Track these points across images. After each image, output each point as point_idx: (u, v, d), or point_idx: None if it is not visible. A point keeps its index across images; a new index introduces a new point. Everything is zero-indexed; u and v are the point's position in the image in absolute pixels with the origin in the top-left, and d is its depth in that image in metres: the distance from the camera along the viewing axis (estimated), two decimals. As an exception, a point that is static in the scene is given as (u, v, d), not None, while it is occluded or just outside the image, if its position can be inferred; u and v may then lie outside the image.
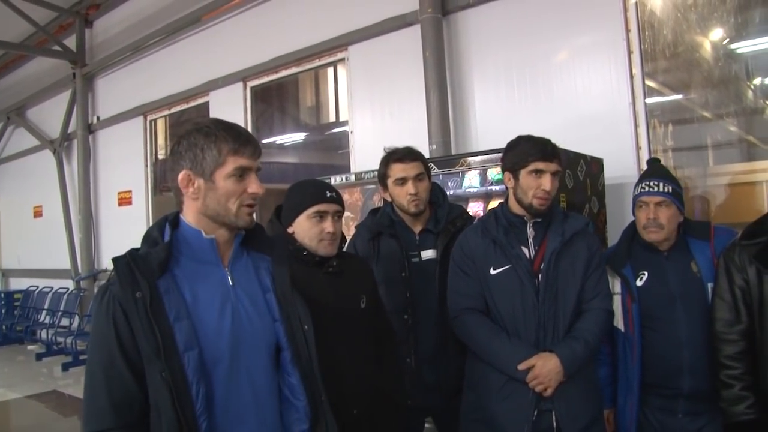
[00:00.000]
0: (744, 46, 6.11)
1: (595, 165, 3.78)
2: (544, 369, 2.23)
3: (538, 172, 2.32)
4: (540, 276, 2.32)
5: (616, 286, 2.52)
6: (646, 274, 2.49)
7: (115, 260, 1.53)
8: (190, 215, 1.61)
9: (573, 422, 2.26)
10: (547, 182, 2.31)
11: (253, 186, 1.59)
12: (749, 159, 6.93)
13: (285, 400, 1.65)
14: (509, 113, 4.80)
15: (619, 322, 2.51)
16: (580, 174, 3.56)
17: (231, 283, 1.62)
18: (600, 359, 2.56)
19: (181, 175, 1.58)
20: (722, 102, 6.75)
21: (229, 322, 1.57)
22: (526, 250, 2.37)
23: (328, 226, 2.19)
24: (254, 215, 1.64)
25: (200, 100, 7.80)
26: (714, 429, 2.32)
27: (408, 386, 2.56)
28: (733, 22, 5.33)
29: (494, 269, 2.38)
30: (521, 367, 2.25)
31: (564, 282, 2.33)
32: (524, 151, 2.36)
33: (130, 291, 1.47)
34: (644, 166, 3.88)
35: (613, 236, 2.89)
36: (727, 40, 5.79)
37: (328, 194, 2.22)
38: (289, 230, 2.24)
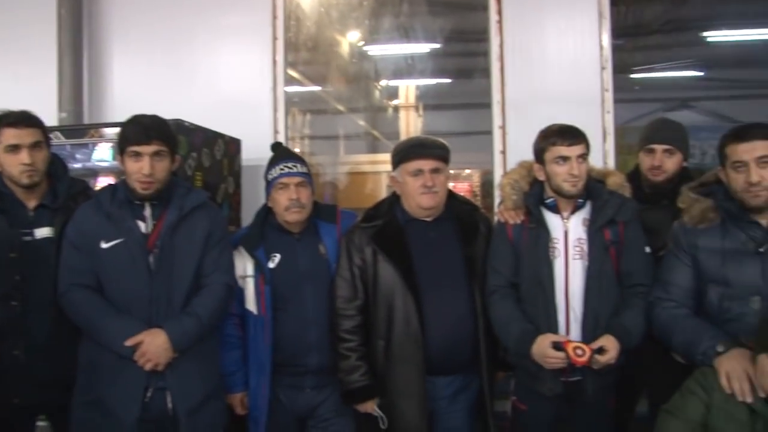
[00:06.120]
0: (375, 50, 6.79)
1: (233, 145, 3.81)
2: (152, 345, 2.21)
3: (136, 155, 2.29)
4: (155, 251, 2.27)
5: (248, 268, 2.53)
6: (278, 256, 2.53)
7: None
8: None
9: (187, 399, 2.28)
10: (145, 167, 2.28)
11: None
12: (373, 151, 7.78)
13: None
14: (152, 86, 4.50)
15: (251, 305, 2.52)
16: (218, 153, 3.58)
17: None
18: (231, 342, 2.55)
19: None
20: (354, 97, 7.41)
21: None
22: (142, 225, 2.31)
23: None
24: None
25: None
26: (336, 398, 2.47)
27: (16, 383, 2.30)
28: (367, 25, 5.85)
29: (105, 243, 2.29)
30: (128, 343, 2.20)
31: (181, 257, 2.33)
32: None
33: None
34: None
35: (249, 217, 2.93)
36: (363, 42, 6.35)
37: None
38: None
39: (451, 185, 2.60)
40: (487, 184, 5.79)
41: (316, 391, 2.51)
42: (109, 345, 2.23)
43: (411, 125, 7.01)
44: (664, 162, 2.63)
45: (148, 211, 2.33)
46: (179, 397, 2.26)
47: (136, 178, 2.28)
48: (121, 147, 2.33)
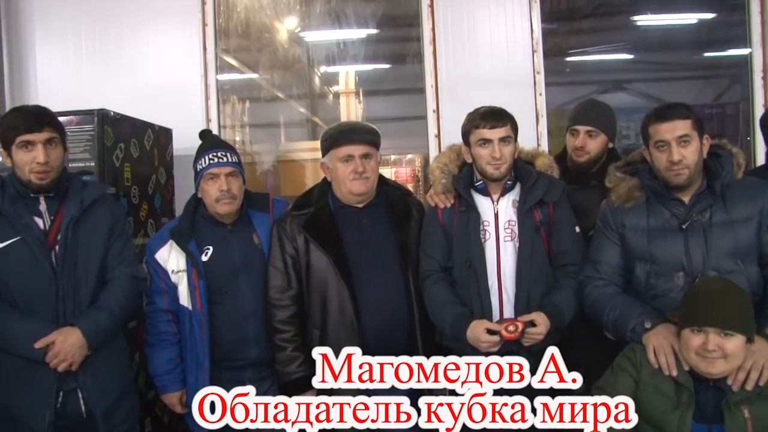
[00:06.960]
0: (311, 36, 6.68)
1: (163, 135, 3.72)
2: (65, 344, 2.14)
3: (27, 145, 2.17)
4: (57, 247, 2.20)
5: (181, 262, 2.46)
6: (211, 248, 2.48)
7: None
8: None
9: (102, 398, 2.24)
10: (39, 155, 2.17)
11: None
12: (314, 138, 7.70)
13: None
14: (78, 76, 4.37)
15: (185, 300, 2.46)
16: (147, 144, 3.49)
17: None
18: (165, 340, 2.50)
19: None
20: (293, 84, 7.30)
21: None
22: (40, 221, 2.23)
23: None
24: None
25: None
26: (276, 390, 2.42)
27: None
28: (299, 10, 5.75)
29: (1, 243, 2.17)
30: (38, 345, 2.12)
31: (85, 251, 2.27)
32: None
33: None
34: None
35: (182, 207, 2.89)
36: (299, 27, 6.24)
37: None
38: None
39: (394, 170, 2.58)
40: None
41: (256, 384, 2.41)
42: (15, 350, 2.14)
43: (352, 111, 6.95)
44: (587, 143, 2.68)
45: (43, 206, 2.24)
46: (94, 397, 2.22)
47: (31, 169, 2.16)
48: (9, 139, 2.18)
